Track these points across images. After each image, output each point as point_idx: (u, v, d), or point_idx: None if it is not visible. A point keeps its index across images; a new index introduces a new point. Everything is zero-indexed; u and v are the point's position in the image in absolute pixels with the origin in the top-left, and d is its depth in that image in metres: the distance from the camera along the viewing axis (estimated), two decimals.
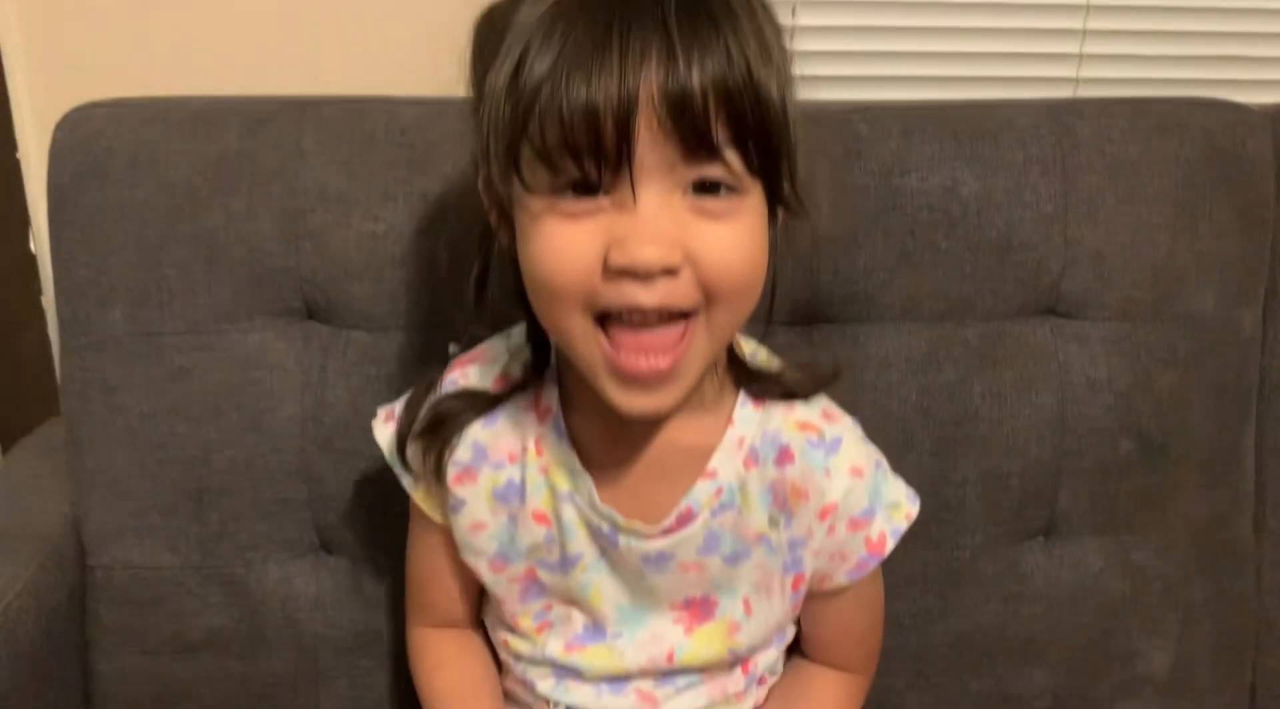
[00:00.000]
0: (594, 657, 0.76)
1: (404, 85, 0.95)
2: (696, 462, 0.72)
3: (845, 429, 0.74)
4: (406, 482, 0.77)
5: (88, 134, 0.89)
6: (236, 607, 0.92)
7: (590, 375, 0.64)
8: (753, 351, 0.76)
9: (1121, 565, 0.94)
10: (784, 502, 0.72)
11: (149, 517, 0.91)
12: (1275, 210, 0.95)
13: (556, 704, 0.78)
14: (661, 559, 0.73)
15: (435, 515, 0.77)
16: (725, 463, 0.72)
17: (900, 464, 0.90)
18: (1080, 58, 1.16)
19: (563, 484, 0.72)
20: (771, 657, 0.80)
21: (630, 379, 0.62)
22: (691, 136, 0.58)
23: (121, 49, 1.06)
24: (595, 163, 0.58)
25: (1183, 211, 0.92)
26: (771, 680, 0.81)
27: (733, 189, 0.61)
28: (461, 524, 0.75)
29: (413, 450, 0.75)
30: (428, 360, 0.84)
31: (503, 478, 0.74)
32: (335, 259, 0.89)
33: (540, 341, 0.72)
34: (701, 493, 0.72)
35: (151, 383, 0.90)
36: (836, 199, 0.89)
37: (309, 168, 0.88)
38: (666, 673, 0.76)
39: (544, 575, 0.75)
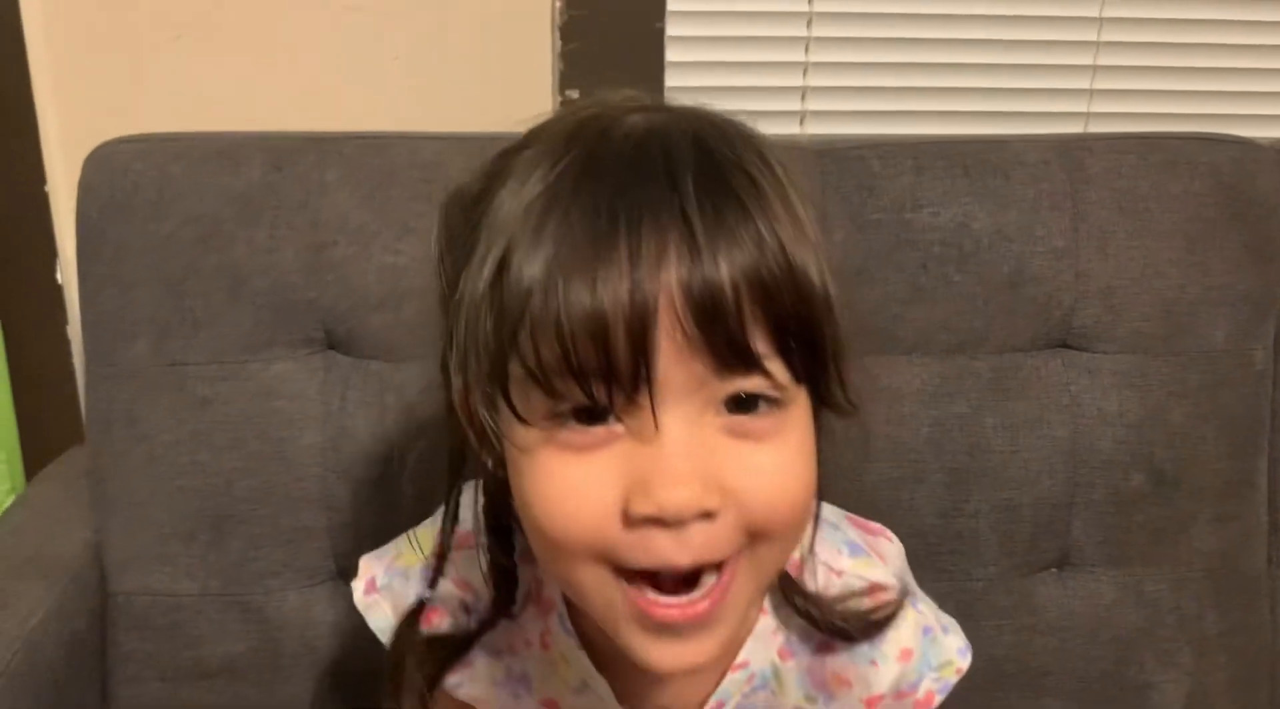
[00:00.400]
0: None
1: (424, 121, 0.97)
2: (725, 655, 0.62)
3: (887, 622, 0.64)
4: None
5: (115, 169, 0.91)
6: (255, 634, 0.93)
7: (608, 625, 0.52)
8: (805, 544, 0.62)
9: (1135, 597, 0.94)
10: (823, 684, 0.64)
11: (170, 544, 0.92)
12: None
13: None
14: None
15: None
16: (758, 653, 0.63)
17: (913, 496, 0.91)
18: (1091, 93, 1.17)
19: (572, 677, 0.63)
20: None
21: (661, 627, 0.50)
22: (724, 345, 0.46)
23: (149, 86, 1.08)
24: (605, 386, 0.46)
25: (1193, 246, 0.93)
26: None
27: (775, 402, 0.49)
28: (459, 695, 0.66)
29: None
30: (446, 389, 0.86)
31: (502, 667, 0.64)
32: (356, 291, 0.90)
33: (507, 571, 0.61)
34: (731, 684, 0.63)
35: (174, 412, 0.91)
36: (850, 233, 0.91)
37: (331, 202, 0.90)
38: None
39: None
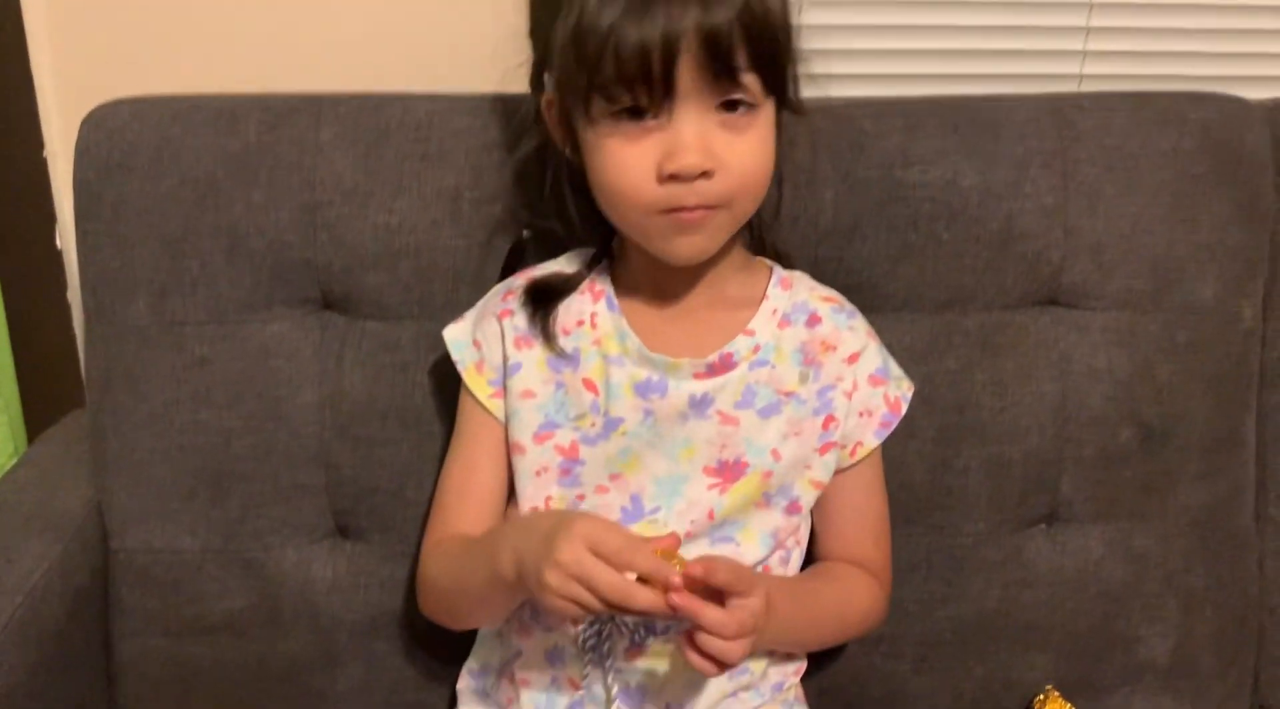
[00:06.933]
0: (639, 533, 0.79)
1: (418, 81, 0.98)
2: (736, 326, 0.83)
3: (856, 309, 0.88)
4: (461, 363, 0.86)
5: (113, 130, 0.92)
6: (255, 590, 0.94)
7: (645, 240, 0.79)
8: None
9: (1123, 552, 0.96)
10: (814, 358, 0.84)
11: (170, 501, 0.93)
12: (1274, 203, 0.97)
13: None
14: (704, 403, 0.82)
15: (481, 393, 0.85)
16: (762, 326, 0.84)
17: (904, 450, 0.92)
18: (1084, 55, 1.18)
19: (613, 349, 0.83)
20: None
21: (680, 228, 0.76)
22: (720, 65, 0.72)
23: (146, 47, 1.08)
24: (647, 89, 0.72)
25: (1181, 203, 0.93)
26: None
27: (751, 106, 0.75)
28: (514, 388, 0.83)
29: (519, 317, 0.85)
30: (441, 348, 0.87)
31: (555, 350, 0.83)
32: (351, 250, 0.91)
33: (603, 235, 0.86)
34: (742, 345, 0.83)
35: (173, 371, 0.92)
36: (840, 192, 0.92)
37: (326, 162, 0.91)
38: (709, 531, 0.81)
39: (585, 451, 0.82)
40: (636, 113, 0.73)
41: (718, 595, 0.70)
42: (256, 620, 0.94)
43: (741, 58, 0.72)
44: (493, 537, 0.78)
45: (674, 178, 0.74)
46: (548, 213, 0.87)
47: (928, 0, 1.15)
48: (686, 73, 0.71)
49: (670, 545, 0.71)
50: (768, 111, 0.76)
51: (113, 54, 1.08)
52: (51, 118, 1.11)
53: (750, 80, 0.73)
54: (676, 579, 0.67)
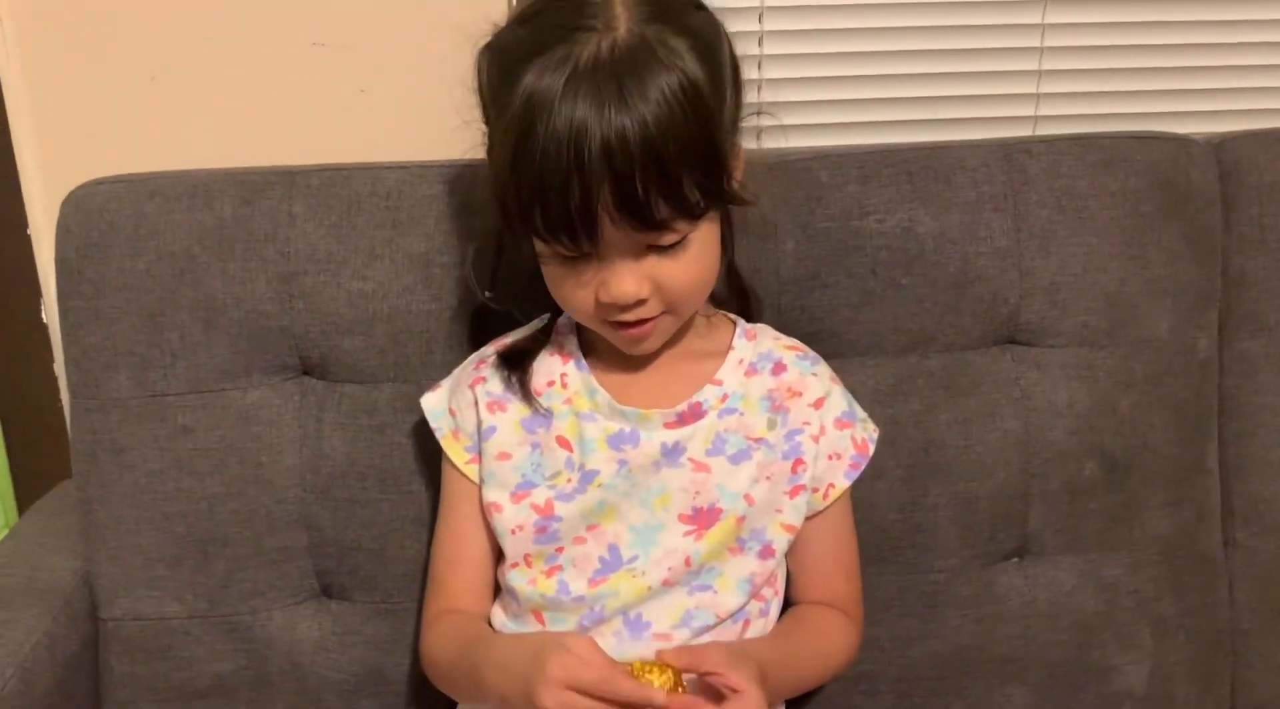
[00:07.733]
0: (617, 583, 0.82)
1: (393, 152, 1.01)
2: (704, 377, 0.86)
3: (819, 357, 0.90)
4: (439, 431, 0.88)
5: (92, 209, 0.95)
6: (242, 653, 0.96)
7: (605, 335, 0.83)
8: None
9: (1093, 583, 0.97)
10: (780, 404, 0.86)
11: (157, 569, 0.95)
12: (1222, 237, 0.99)
13: None
14: (676, 451, 0.84)
15: (459, 459, 0.87)
16: (729, 375, 0.86)
17: (871, 490, 0.94)
18: (1038, 97, 1.21)
19: (584, 406, 0.86)
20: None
21: (623, 338, 0.81)
22: (641, 221, 0.73)
23: (124, 128, 1.11)
24: (574, 243, 0.74)
25: (1132, 241, 0.96)
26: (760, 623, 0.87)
27: (683, 235, 0.76)
28: (489, 451, 0.86)
29: (492, 383, 0.87)
30: (418, 409, 0.89)
31: (529, 409, 0.86)
32: (327, 317, 0.94)
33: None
34: (710, 394, 0.85)
35: (157, 441, 0.94)
36: (800, 242, 0.95)
37: (300, 233, 0.94)
38: (686, 578, 0.83)
39: (560, 508, 0.83)
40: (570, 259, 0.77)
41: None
42: (244, 683, 0.96)
43: (662, 211, 0.73)
44: (474, 669, 0.79)
45: (609, 304, 0.77)
46: (503, 300, 0.90)
47: (886, 51, 1.18)
48: (609, 228, 0.73)
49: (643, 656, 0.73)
50: (707, 225, 0.77)
51: (93, 135, 1.11)
52: (34, 197, 1.14)
53: (678, 224, 0.74)
54: (661, 700, 0.70)
